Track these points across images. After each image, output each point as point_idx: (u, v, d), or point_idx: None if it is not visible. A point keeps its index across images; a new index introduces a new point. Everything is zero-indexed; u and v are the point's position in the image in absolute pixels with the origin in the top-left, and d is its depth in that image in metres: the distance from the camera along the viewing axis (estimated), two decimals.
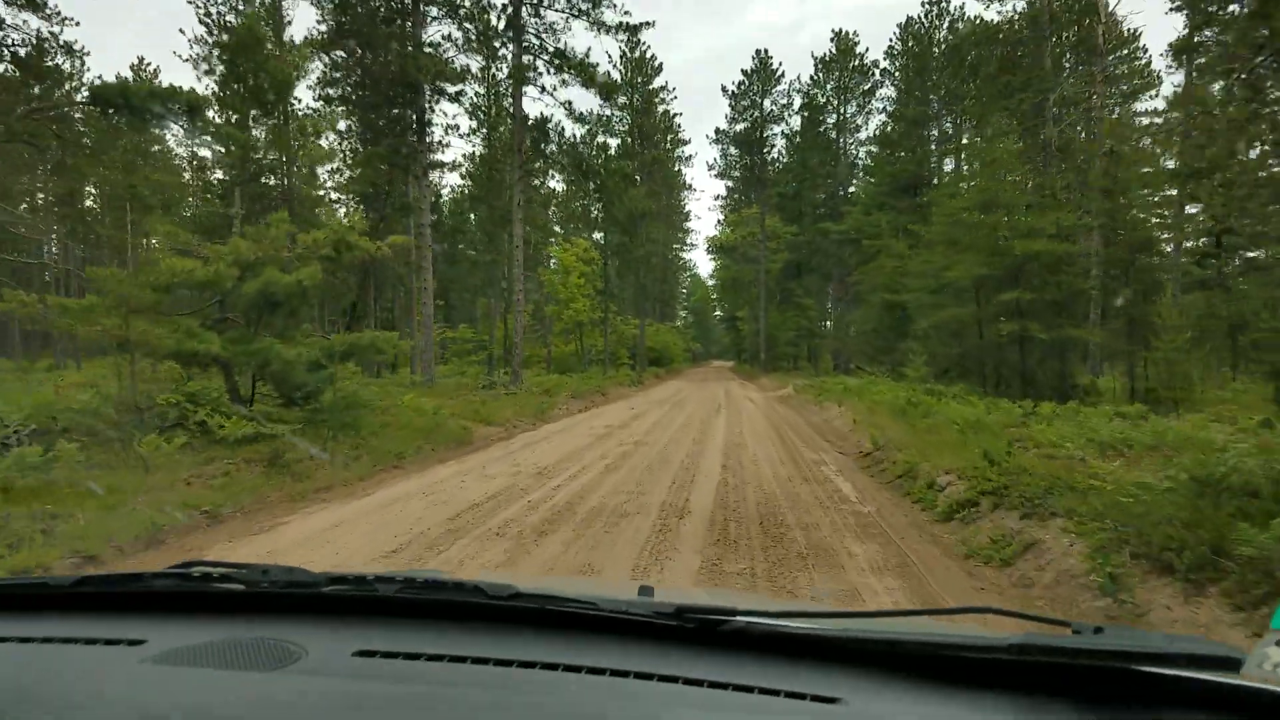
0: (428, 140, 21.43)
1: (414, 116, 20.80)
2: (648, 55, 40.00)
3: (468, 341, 33.55)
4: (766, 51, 41.79)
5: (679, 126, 44.13)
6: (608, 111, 22.39)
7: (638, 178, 38.49)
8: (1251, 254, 18.85)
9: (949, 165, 35.11)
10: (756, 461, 9.67)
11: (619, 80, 39.84)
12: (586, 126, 20.39)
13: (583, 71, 18.55)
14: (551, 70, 19.13)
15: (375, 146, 23.02)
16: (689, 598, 1.39)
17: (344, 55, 22.79)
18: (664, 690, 0.99)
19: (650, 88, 40.39)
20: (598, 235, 40.62)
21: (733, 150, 43.70)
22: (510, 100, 21.60)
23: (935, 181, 32.58)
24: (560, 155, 20.19)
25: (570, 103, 19.58)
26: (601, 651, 1.09)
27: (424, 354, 21.66)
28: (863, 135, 41.10)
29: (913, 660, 1.04)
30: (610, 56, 39.47)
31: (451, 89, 21.54)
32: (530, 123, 20.13)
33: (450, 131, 27.75)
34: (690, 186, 54.40)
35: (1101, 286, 16.97)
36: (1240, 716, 0.86)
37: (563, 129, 19.97)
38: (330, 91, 22.35)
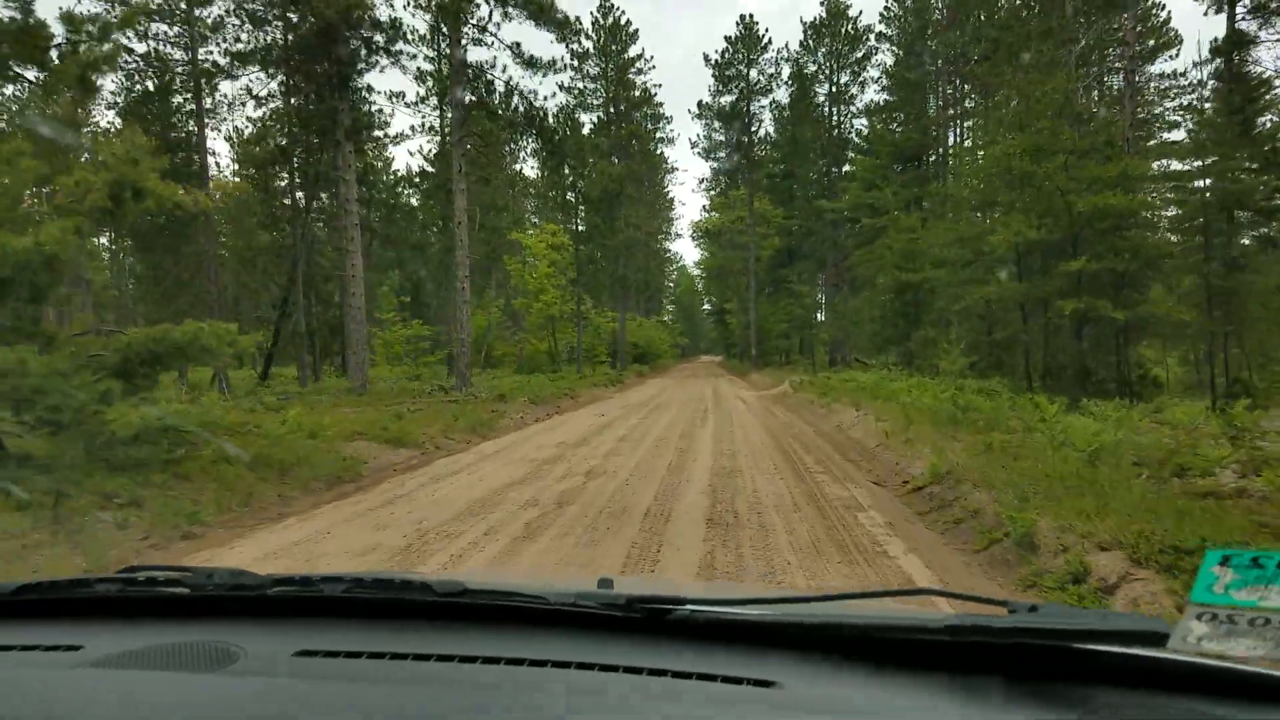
0: (352, 99, 18.01)
1: (334, 70, 17.39)
2: (622, 20, 36.65)
3: (424, 339, 30.13)
4: (752, 16, 38.46)
5: (659, 102, 40.79)
6: (565, 57, 19.09)
7: (614, 159, 35.21)
8: None
9: (951, 140, 32.02)
10: (760, 507, 6.41)
11: (591, 49, 36.54)
12: (540, 75, 17.13)
13: (530, 2, 15.25)
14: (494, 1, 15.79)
15: (303, 109, 19.64)
16: (649, 587, 1.32)
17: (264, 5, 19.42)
18: (603, 679, 1.00)
19: (626, 56, 37.03)
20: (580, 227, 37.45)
21: (717, 126, 40.36)
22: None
23: (940, 152, 29.44)
24: (508, 110, 16.77)
25: (519, 44, 16.13)
26: (549, 644, 1.09)
27: (355, 354, 18.29)
28: (858, 105, 37.82)
29: (850, 643, 1.06)
30: (580, 21, 35.70)
31: (384, 42, 18.15)
32: (472, 71, 16.76)
33: (395, 100, 23.74)
34: (673, 168, 50.96)
35: (1183, 252, 13.85)
36: (1166, 688, 0.90)
37: (516, 85, 16.35)
38: (241, 45, 18.89)
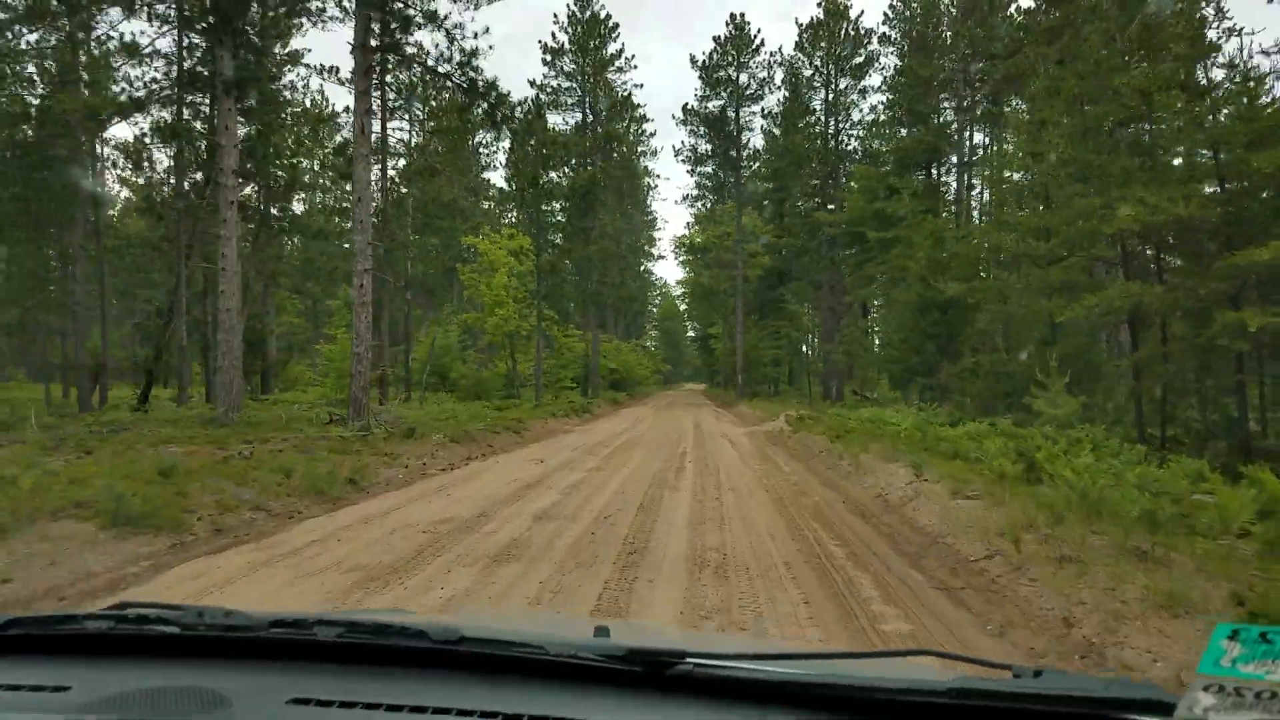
0: (236, 42, 13.87)
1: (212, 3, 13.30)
2: (601, 14, 32.99)
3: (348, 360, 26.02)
4: (743, 15, 34.91)
5: (639, 104, 37.06)
6: None
7: (590, 162, 31.30)
8: None
9: (976, 139, 28.40)
10: None
11: (566, 43, 32.85)
12: (471, 5, 13.20)
13: None
14: None
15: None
16: (647, 636, 1.46)
17: None
18: None
19: (604, 54, 33.31)
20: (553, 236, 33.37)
21: (703, 133, 36.60)
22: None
23: (957, 159, 25.76)
24: (428, 61, 12.68)
25: None
26: (546, 697, 1.08)
27: (225, 373, 13.93)
28: (859, 113, 34.22)
29: (853, 704, 1.04)
30: (557, 17, 32.05)
31: None
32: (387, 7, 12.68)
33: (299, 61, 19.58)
34: (657, 178, 47.06)
35: None
36: None
37: (440, 17, 12.19)
38: None
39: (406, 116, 24.29)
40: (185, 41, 16.78)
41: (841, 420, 14.87)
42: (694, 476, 10.17)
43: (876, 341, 23.26)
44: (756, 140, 38.91)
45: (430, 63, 12.59)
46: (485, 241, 26.34)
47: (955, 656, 1.28)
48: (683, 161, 38.05)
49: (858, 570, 5.20)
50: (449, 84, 13.79)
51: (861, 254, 28.21)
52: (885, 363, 18.35)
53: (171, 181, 18.47)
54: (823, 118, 33.84)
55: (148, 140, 16.63)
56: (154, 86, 16.46)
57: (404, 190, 26.81)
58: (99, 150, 19.47)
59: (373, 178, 14.19)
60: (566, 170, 27.40)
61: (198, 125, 16.84)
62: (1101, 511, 5.09)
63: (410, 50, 12.85)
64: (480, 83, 12.53)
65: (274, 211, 19.18)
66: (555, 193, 22.70)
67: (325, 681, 1.13)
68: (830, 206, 33.33)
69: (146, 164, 17.89)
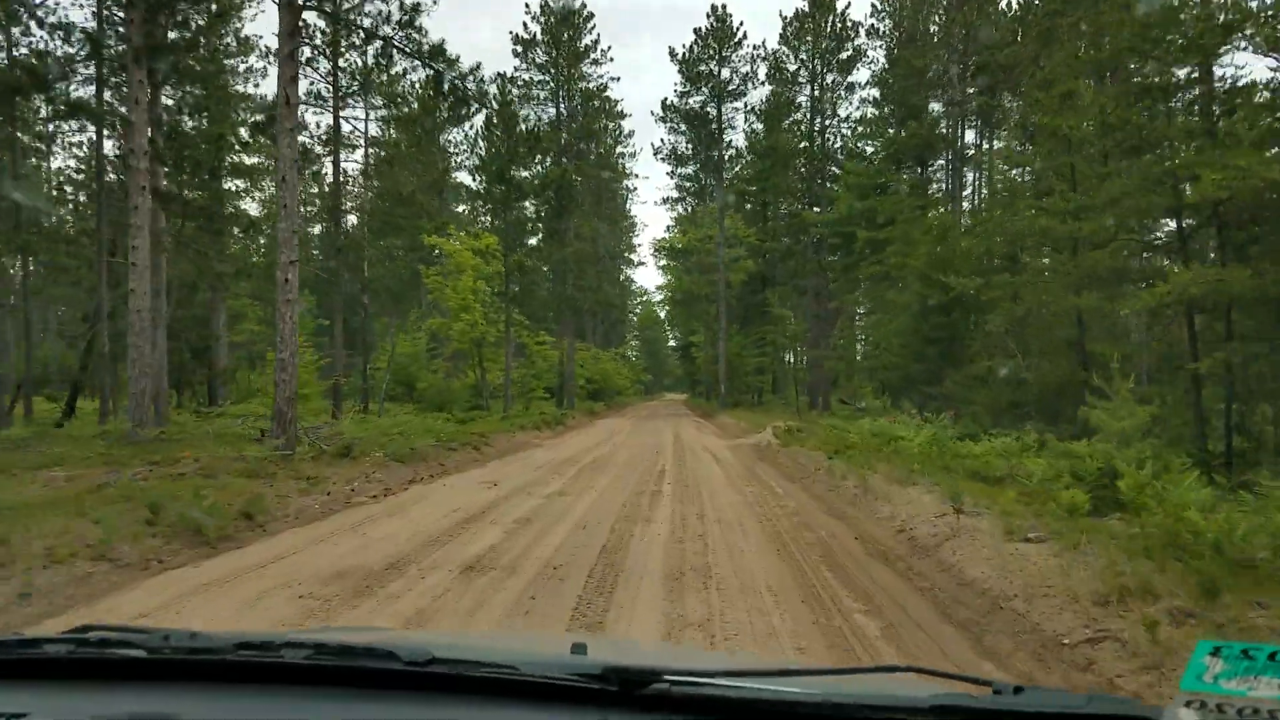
0: (148, 3, 12.14)
1: None
2: (575, 4, 31.51)
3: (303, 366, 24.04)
4: (724, 7, 33.55)
5: (616, 99, 35.58)
6: None
7: (563, 158, 29.74)
8: None
9: (969, 138, 27.18)
10: None
11: (538, 34, 31.34)
12: None
13: None
14: None
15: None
16: (626, 653, 1.43)
17: None
18: None
19: (579, 46, 31.81)
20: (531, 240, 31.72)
21: (683, 130, 35.15)
22: None
23: (951, 155, 24.50)
24: (363, 20, 11.02)
25: None
26: (518, 718, 1.07)
27: (135, 384, 12.14)
28: (847, 108, 32.97)
29: None
30: (529, 6, 30.50)
31: None
32: None
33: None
34: (635, 177, 45.51)
35: None
36: None
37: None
38: None
39: (361, 103, 22.57)
40: (104, 12, 15.00)
41: (838, 433, 13.35)
42: (673, 503, 8.56)
43: (861, 349, 21.75)
44: (739, 140, 37.71)
45: (367, 24, 10.98)
46: (450, 242, 24.62)
47: (936, 673, 1.26)
48: (662, 160, 36.62)
49: (903, 659, 3.59)
50: (394, 50, 12.13)
51: (849, 256, 26.83)
52: (881, 370, 16.84)
53: (96, 166, 16.60)
54: (808, 114, 32.53)
55: (51, 120, 14.76)
56: (67, 60, 14.66)
57: (360, 185, 25.09)
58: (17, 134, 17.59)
59: (325, 171, 12.49)
60: (539, 168, 25.79)
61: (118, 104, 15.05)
62: (1260, 571, 3.54)
63: (345, 4, 11.20)
64: (426, 46, 10.92)
65: (215, 204, 17.36)
66: (526, 188, 21.07)
67: (292, 704, 1.11)
68: (816, 208, 32.04)
69: (62, 149, 16.00)
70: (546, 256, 28.29)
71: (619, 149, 43.36)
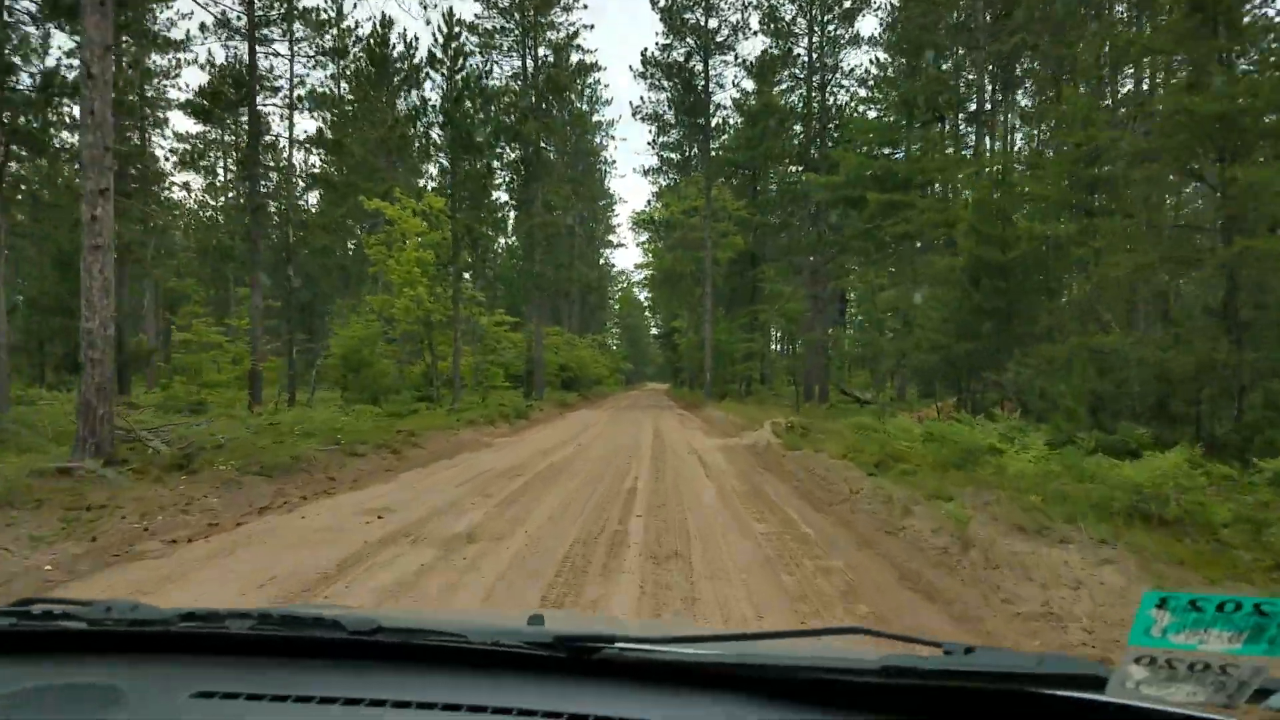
0: None
1: None
2: None
3: (216, 348, 20.51)
4: None
5: (591, 49, 31.99)
6: None
7: (529, 113, 26.20)
8: None
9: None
10: None
11: None
12: None
13: None
14: None
15: None
16: (583, 625, 1.41)
17: None
18: None
19: None
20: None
21: (665, 86, 31.64)
22: None
23: (978, 104, 21.29)
24: None
25: None
26: (466, 687, 1.05)
27: None
28: (852, 62, 29.59)
29: (780, 684, 1.03)
30: None
31: None
32: None
33: None
34: (613, 138, 41.78)
35: None
36: None
37: None
38: None
39: (285, 36, 18.92)
40: None
41: (867, 435, 10.10)
42: (642, 562, 5.26)
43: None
44: (727, 100, 34.31)
45: None
46: (394, 207, 21.05)
47: (886, 634, 1.25)
48: (643, 120, 33.05)
49: None
50: None
51: (855, 230, 23.59)
52: (915, 352, 13.50)
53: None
54: (807, 68, 29.16)
55: None
56: None
57: (285, 137, 21.44)
58: None
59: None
60: (501, 120, 22.28)
61: None
62: None
63: None
64: None
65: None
66: (475, 134, 17.57)
67: (234, 675, 1.09)
68: (815, 175, 28.78)
69: None
70: (516, 228, 24.92)
71: (595, 115, 39.87)
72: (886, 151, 21.50)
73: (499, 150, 27.40)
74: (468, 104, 17.44)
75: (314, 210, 25.73)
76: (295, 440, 10.20)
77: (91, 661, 1.14)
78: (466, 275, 25.93)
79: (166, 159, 25.50)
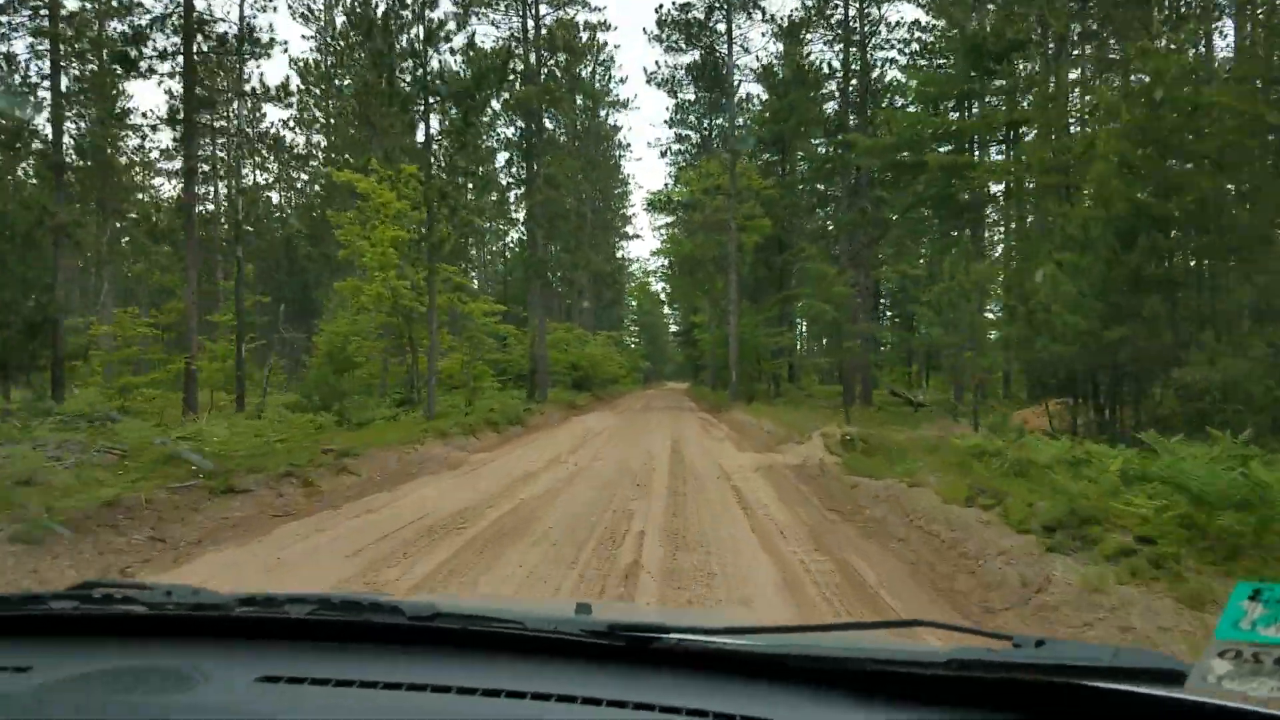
0: None
1: None
2: None
3: (145, 336, 17.41)
4: None
5: (600, 9, 28.58)
6: None
7: (532, 71, 22.83)
8: None
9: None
10: None
11: None
12: None
13: None
14: None
15: None
16: (629, 614, 1.34)
17: None
18: (587, 713, 0.94)
19: None
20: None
21: (682, 47, 28.06)
22: None
23: (1053, 49, 17.57)
24: None
25: None
26: (526, 674, 1.04)
27: None
28: (899, 14, 25.91)
29: (846, 676, 1.00)
30: None
31: None
32: None
33: None
34: (621, 104, 38.29)
35: None
36: None
37: None
38: None
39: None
40: None
41: (988, 462, 6.61)
42: None
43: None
44: (754, 63, 30.72)
45: None
46: (368, 180, 17.72)
47: (952, 627, 1.21)
48: (657, 86, 29.61)
49: None
50: None
51: (905, 194, 19.94)
52: (1048, 342, 9.57)
53: None
54: (844, 24, 25.49)
55: None
56: None
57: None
58: None
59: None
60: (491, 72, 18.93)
61: None
62: None
63: None
64: None
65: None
66: (456, 90, 14.15)
67: (296, 659, 1.09)
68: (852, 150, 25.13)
69: None
70: (523, 212, 21.63)
71: (606, 86, 36.45)
72: (955, 99, 17.92)
73: (495, 123, 24.16)
74: (444, 52, 14.08)
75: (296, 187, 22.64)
76: (138, 473, 6.91)
77: (152, 646, 1.14)
78: (460, 261, 22.62)
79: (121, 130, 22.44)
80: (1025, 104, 18.27)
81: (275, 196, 39.92)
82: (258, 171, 41.43)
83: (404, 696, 0.97)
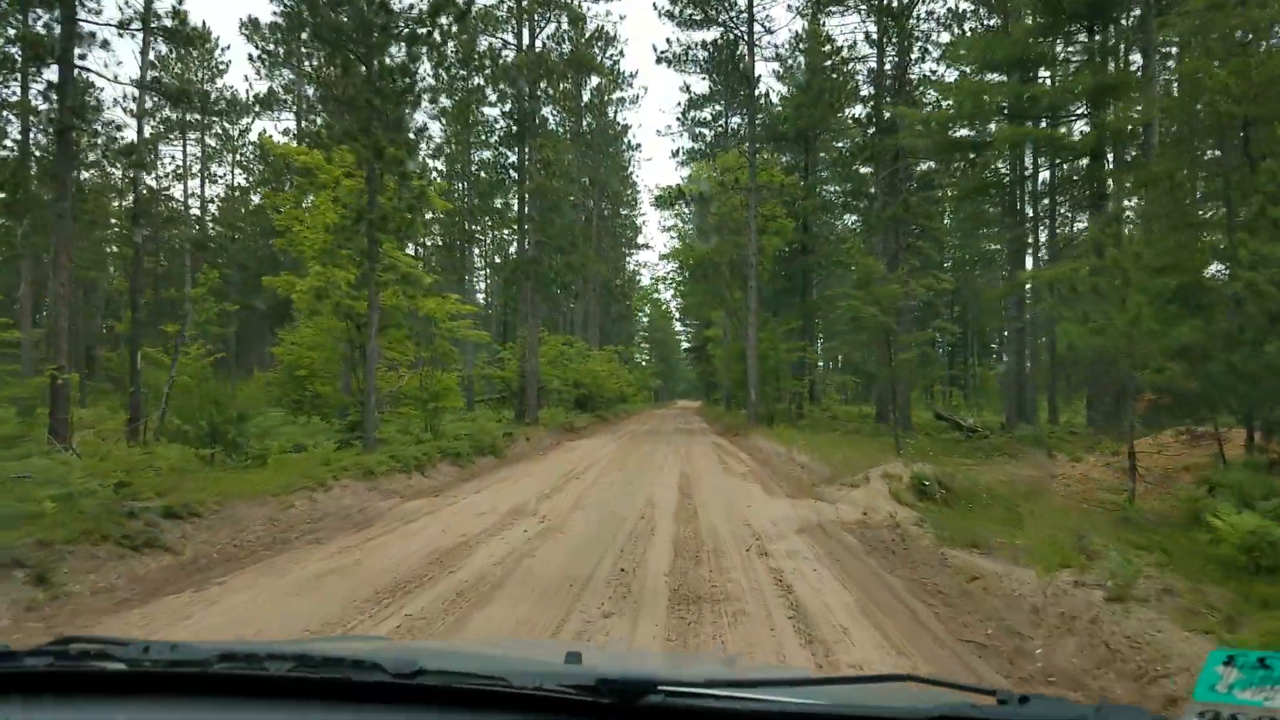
0: None
1: None
2: None
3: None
4: None
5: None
6: None
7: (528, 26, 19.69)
8: None
9: None
10: None
11: None
12: None
13: None
14: None
15: None
16: (622, 662, 1.31)
17: None
18: None
19: None
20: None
21: (697, 19, 24.82)
22: None
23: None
24: None
25: None
26: None
27: None
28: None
29: None
30: None
31: None
32: None
33: None
34: (626, 84, 34.94)
35: None
36: None
37: None
38: None
39: None
40: None
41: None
42: None
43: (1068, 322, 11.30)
44: (781, 40, 27.62)
45: None
46: (313, 152, 14.50)
47: (938, 681, 1.24)
48: (668, 64, 26.42)
49: None
50: None
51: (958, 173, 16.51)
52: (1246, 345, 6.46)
53: None
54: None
55: None
56: None
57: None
58: None
59: None
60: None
61: None
62: None
63: None
64: None
65: None
66: (408, 21, 10.92)
67: (274, 717, 1.10)
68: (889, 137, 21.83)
69: None
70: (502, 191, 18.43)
71: (615, 63, 33.30)
72: (1026, 63, 14.60)
73: (482, 102, 21.09)
74: None
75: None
76: None
77: (128, 703, 1.12)
78: (409, 240, 19.43)
79: None
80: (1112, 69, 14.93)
81: (257, 198, 37.19)
82: (235, 170, 38.80)
83: None
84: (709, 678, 1.11)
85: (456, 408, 14.30)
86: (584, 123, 33.61)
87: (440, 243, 37.99)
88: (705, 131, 32.09)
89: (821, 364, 40.49)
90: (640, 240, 50.86)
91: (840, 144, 26.98)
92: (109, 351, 28.28)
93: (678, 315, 59.82)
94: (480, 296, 56.12)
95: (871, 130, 23.58)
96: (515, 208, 26.66)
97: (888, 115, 22.11)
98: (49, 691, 1.15)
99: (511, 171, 20.14)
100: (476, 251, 37.17)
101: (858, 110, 25.36)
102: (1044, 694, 1.30)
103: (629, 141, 39.65)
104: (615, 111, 37.67)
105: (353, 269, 12.29)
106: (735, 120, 33.76)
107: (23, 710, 1.10)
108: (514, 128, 20.37)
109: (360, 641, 1.38)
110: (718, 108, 31.61)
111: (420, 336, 14.62)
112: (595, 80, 34.06)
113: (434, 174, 29.42)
